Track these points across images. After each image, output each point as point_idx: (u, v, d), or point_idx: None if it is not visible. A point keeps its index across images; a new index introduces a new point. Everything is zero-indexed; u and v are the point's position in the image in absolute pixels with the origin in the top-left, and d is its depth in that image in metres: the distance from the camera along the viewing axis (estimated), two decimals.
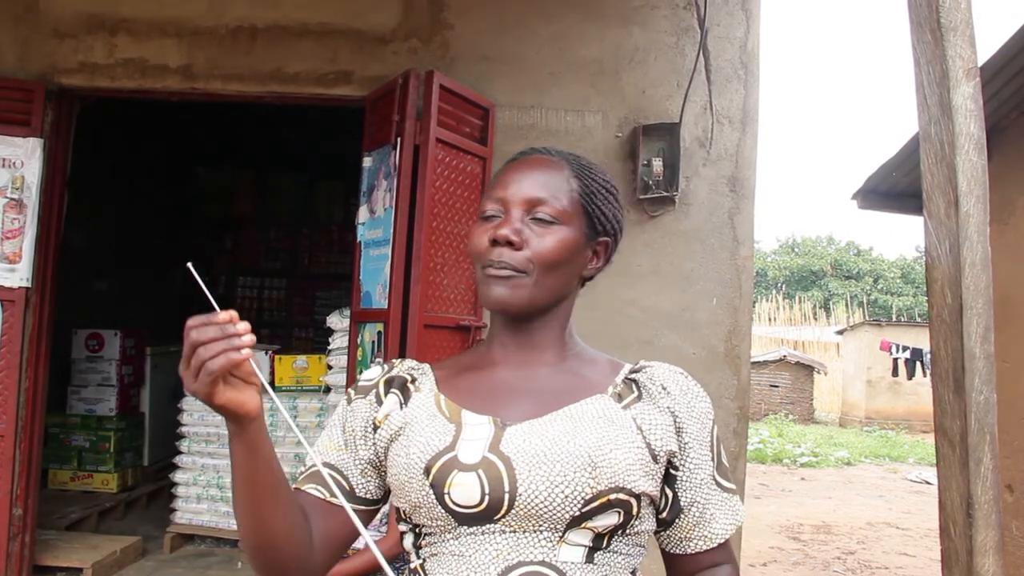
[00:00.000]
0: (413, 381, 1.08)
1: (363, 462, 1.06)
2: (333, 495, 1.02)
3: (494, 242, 1.02)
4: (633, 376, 1.07)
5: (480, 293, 1.06)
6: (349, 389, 1.12)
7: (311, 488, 1.05)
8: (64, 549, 4.07)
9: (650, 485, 0.99)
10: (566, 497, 0.93)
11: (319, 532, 1.02)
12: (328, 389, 4.29)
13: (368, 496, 1.06)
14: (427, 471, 0.96)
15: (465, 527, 0.96)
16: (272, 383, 4.74)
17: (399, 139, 3.15)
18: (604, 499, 0.94)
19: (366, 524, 1.06)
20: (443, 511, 0.96)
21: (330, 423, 1.11)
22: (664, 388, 1.05)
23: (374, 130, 3.43)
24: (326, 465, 1.06)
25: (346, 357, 3.75)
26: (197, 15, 3.62)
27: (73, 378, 5.33)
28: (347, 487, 1.05)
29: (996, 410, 1.49)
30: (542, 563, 0.94)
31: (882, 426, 14.72)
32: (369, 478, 1.06)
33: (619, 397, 1.04)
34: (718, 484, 1.05)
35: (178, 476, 4.62)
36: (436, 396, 1.05)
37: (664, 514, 1.04)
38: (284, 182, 7.74)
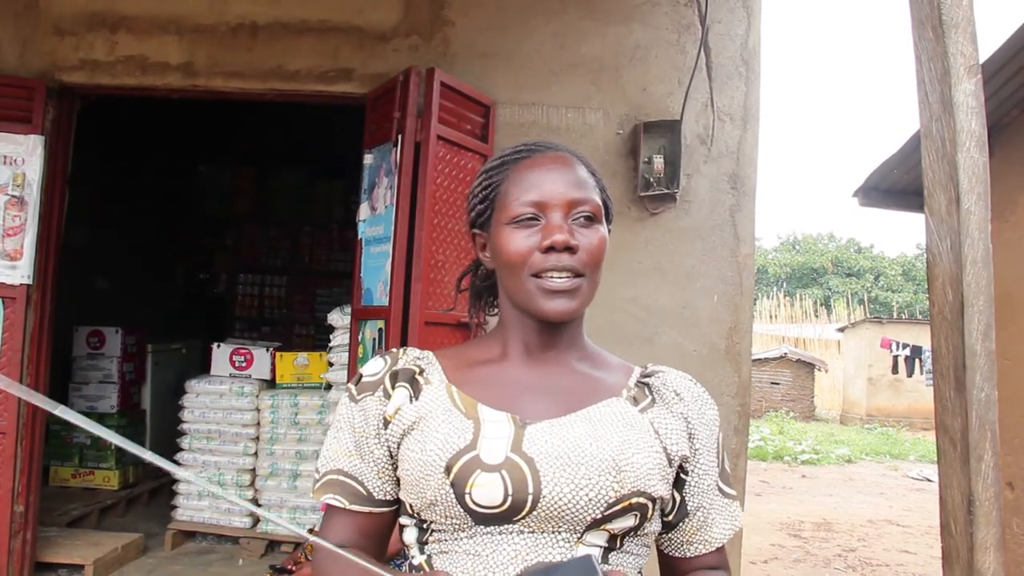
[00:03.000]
0: (421, 372, 1.05)
1: (378, 463, 1.03)
2: (352, 503, 1.03)
3: (550, 248, 0.98)
4: (646, 380, 1.07)
5: (526, 303, 1.01)
6: (351, 385, 1.07)
7: (331, 499, 1.03)
8: (65, 546, 4.07)
9: (666, 489, 0.99)
10: (590, 500, 0.93)
11: (363, 537, 1.03)
12: (329, 386, 4.29)
13: (387, 497, 1.03)
14: (448, 470, 0.94)
15: (482, 527, 0.94)
16: (273, 380, 4.75)
17: (400, 136, 3.14)
18: (626, 503, 0.94)
19: (392, 524, 1.06)
20: (461, 510, 0.94)
21: (336, 426, 1.06)
22: (677, 394, 1.06)
23: (375, 127, 3.42)
24: (339, 472, 1.03)
25: (347, 354, 3.76)
26: (198, 12, 3.62)
27: (74, 375, 5.33)
28: (364, 492, 1.03)
29: (997, 407, 1.49)
30: None
31: (883, 423, 14.73)
32: (386, 479, 1.03)
33: (634, 400, 1.04)
34: (721, 490, 1.07)
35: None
36: (448, 388, 1.03)
37: (670, 517, 1.04)
38: (285, 179, 7.73)
